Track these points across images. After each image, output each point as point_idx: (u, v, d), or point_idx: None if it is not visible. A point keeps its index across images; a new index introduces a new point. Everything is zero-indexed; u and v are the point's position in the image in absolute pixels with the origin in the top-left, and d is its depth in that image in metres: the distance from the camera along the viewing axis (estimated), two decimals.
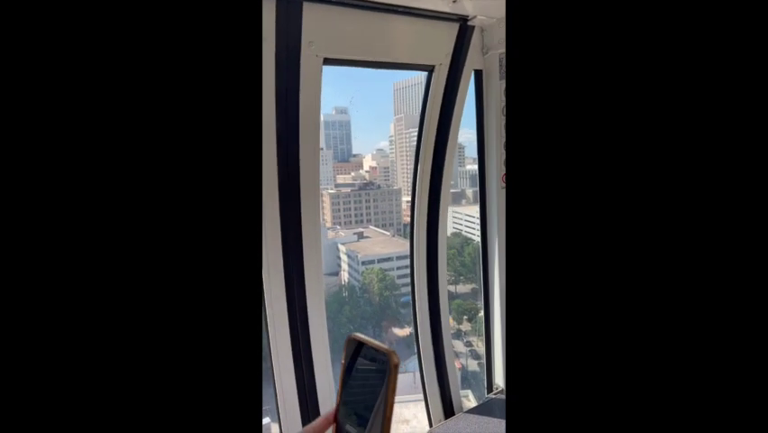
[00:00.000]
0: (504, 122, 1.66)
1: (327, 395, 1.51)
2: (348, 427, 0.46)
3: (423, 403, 1.85)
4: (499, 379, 1.93)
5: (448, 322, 1.86)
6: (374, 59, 1.46)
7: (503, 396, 1.89)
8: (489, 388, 1.98)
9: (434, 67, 1.56)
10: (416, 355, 1.84)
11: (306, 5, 1.21)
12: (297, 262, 1.40)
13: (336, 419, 0.47)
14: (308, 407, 1.47)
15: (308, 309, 1.44)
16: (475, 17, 1.49)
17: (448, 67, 1.57)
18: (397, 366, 0.42)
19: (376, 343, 0.45)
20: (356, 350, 0.46)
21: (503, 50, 1.59)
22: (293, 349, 1.42)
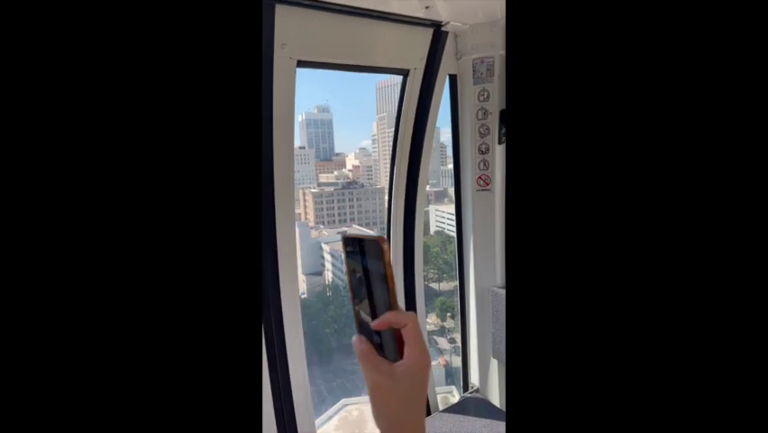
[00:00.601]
0: (478, 125, 1.69)
1: (303, 397, 1.51)
2: (363, 316, 0.49)
3: None
4: (475, 378, 1.96)
5: (424, 322, 1.88)
6: (348, 63, 1.46)
7: (479, 395, 1.93)
8: (465, 387, 2.01)
9: (408, 71, 1.58)
10: None
11: (278, 8, 1.21)
12: (272, 265, 1.40)
13: (355, 313, 0.50)
14: (283, 410, 1.47)
15: (283, 312, 1.44)
16: (449, 23, 1.51)
17: (423, 71, 1.59)
18: (386, 245, 0.45)
19: (365, 234, 0.48)
20: (351, 245, 0.49)
21: (476, 55, 1.61)
22: (267, 352, 1.41)
